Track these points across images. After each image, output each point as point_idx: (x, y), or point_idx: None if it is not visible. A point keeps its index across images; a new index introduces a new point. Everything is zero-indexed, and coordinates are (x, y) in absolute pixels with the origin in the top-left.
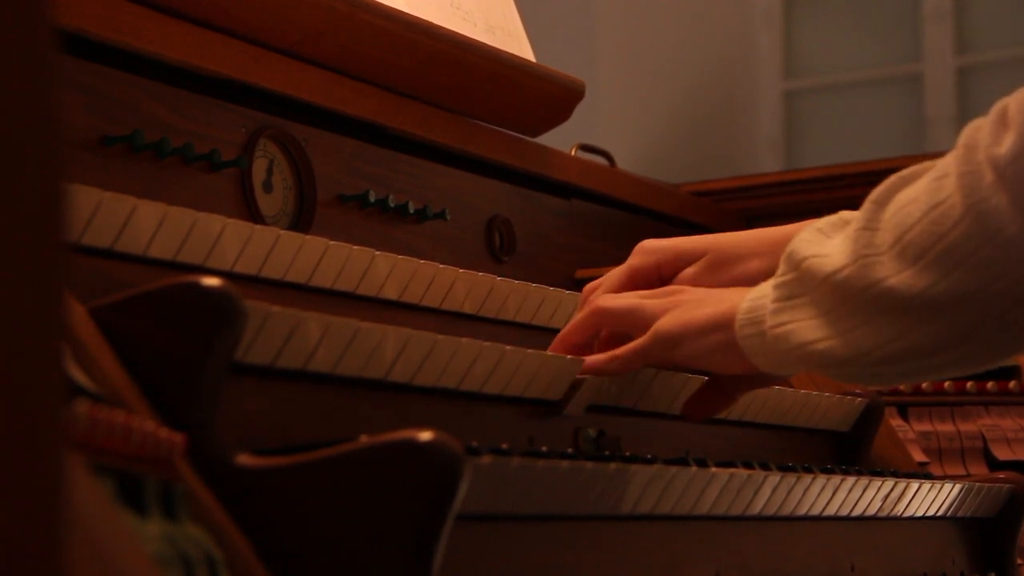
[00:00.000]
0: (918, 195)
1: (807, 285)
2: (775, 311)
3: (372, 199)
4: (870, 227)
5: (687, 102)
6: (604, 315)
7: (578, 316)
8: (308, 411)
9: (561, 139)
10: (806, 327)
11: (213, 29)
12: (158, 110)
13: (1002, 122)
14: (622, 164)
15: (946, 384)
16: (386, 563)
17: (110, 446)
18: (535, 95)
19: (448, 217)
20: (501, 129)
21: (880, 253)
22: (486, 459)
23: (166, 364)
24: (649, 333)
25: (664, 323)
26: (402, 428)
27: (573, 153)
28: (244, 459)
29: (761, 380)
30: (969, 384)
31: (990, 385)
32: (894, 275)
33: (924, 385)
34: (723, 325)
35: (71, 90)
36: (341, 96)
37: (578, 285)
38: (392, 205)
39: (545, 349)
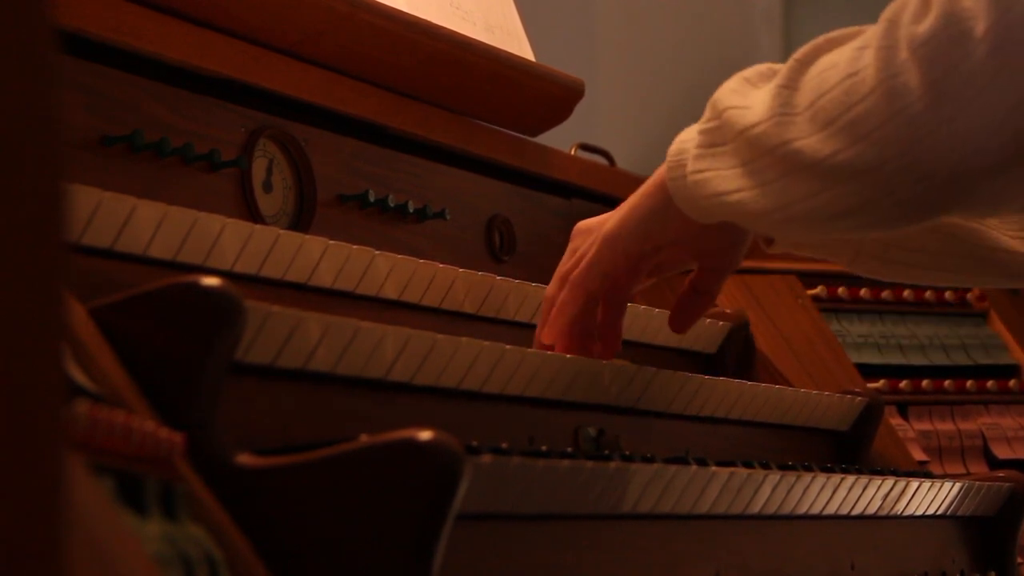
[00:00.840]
0: (839, 61)
1: (727, 135)
2: (696, 156)
3: (372, 199)
4: (790, 86)
5: (687, 102)
6: (564, 271)
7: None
8: (308, 411)
9: (561, 139)
10: (724, 176)
11: (213, 29)
12: (158, 110)
13: (925, 2)
14: (622, 164)
15: (946, 383)
16: (386, 563)
17: (110, 446)
18: (535, 95)
19: (448, 217)
20: (501, 129)
21: (795, 113)
22: (486, 458)
23: (166, 364)
24: (592, 241)
25: (605, 229)
26: (402, 428)
27: (573, 153)
28: (244, 459)
29: (722, 259)
30: (969, 383)
31: (990, 384)
32: (803, 137)
33: (924, 384)
34: (656, 188)
35: (71, 90)
36: (341, 96)
37: None
38: (392, 205)
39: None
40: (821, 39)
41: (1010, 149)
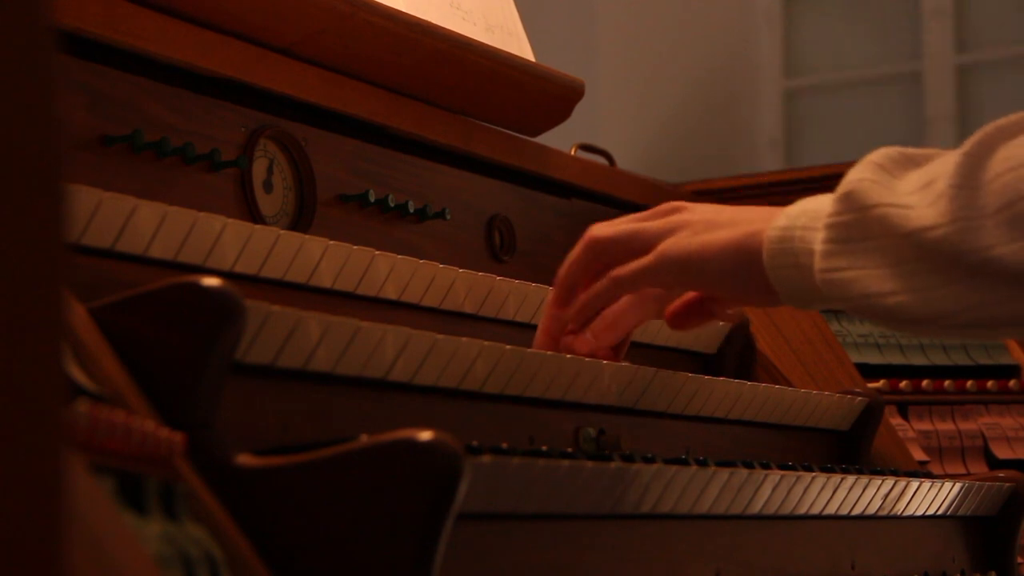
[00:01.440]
0: None
1: (872, 232)
2: (828, 253)
3: (372, 199)
4: (969, 185)
5: (687, 101)
6: (599, 245)
7: (572, 252)
8: (308, 411)
9: (561, 139)
10: (872, 276)
11: (213, 29)
12: (158, 110)
13: None
14: (622, 163)
15: (946, 383)
16: (387, 562)
17: (110, 446)
18: (535, 95)
19: (448, 217)
20: (501, 129)
21: (983, 217)
22: (486, 458)
23: (166, 364)
24: (655, 253)
25: (672, 244)
26: (402, 428)
27: (573, 153)
28: (244, 459)
29: (748, 304)
30: (969, 383)
31: (990, 384)
32: (1002, 244)
33: (924, 384)
34: (744, 250)
35: (71, 90)
36: (341, 96)
37: None
38: (392, 205)
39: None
40: (991, 128)
41: None
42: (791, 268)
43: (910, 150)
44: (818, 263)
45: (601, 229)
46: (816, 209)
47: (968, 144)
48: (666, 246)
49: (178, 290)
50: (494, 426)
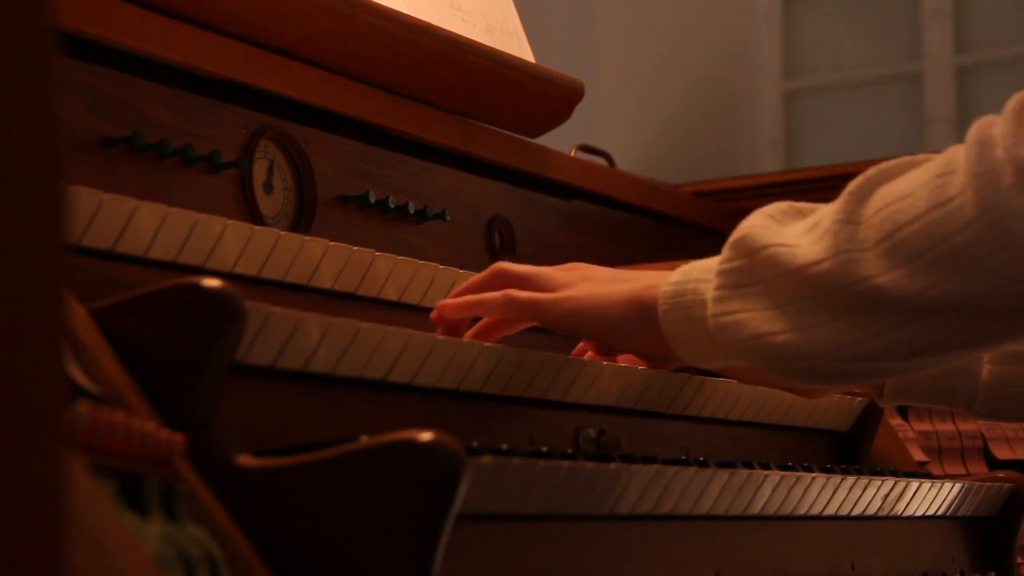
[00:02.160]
0: (913, 191)
1: (761, 275)
2: (719, 299)
3: (372, 200)
4: (851, 220)
5: (687, 102)
6: (505, 274)
7: (477, 276)
8: (309, 411)
9: (561, 139)
10: (760, 318)
11: (214, 30)
12: (159, 111)
13: (1020, 120)
14: (622, 164)
15: None
16: (387, 563)
17: (111, 446)
18: (535, 95)
19: (448, 217)
20: (501, 130)
21: (864, 249)
22: (486, 459)
23: (167, 365)
24: (556, 292)
25: (572, 291)
26: (402, 428)
27: (573, 153)
28: (245, 459)
29: (660, 359)
30: None
31: None
32: (882, 274)
33: None
34: (640, 302)
35: (72, 91)
36: (341, 97)
37: None
38: (392, 206)
39: (546, 349)
40: (873, 170)
41: None
42: (684, 322)
43: (800, 204)
44: (710, 309)
45: (510, 264)
46: (708, 264)
47: (852, 184)
48: (568, 291)
49: (179, 291)
50: (494, 427)
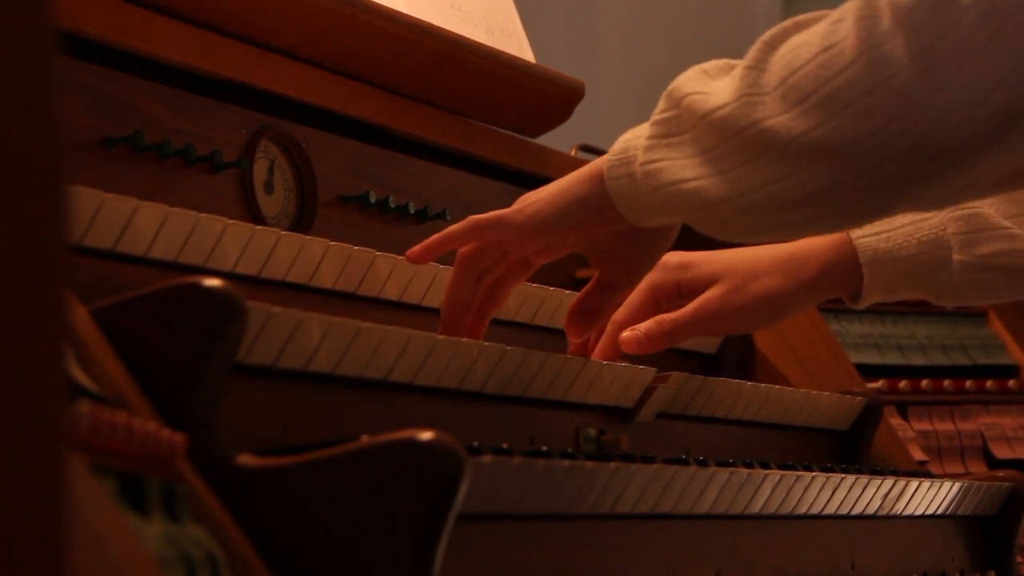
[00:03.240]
0: (811, 38)
1: (685, 123)
2: (648, 147)
3: (373, 200)
4: (758, 67)
5: None
6: (475, 221)
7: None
8: (309, 411)
9: (561, 140)
10: (680, 165)
11: (214, 30)
12: (159, 111)
13: None
14: None
15: (945, 383)
16: (387, 563)
17: (112, 447)
18: (535, 96)
19: (449, 217)
20: (501, 130)
21: (764, 93)
22: (487, 459)
23: (168, 365)
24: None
25: (529, 198)
26: (403, 428)
27: (573, 154)
28: (246, 459)
29: (626, 272)
30: (968, 383)
31: (989, 384)
32: (774, 116)
33: (923, 384)
34: (591, 177)
35: (72, 91)
36: (342, 97)
37: (578, 285)
38: (393, 206)
39: (547, 349)
40: (789, 22)
41: (997, 121)
42: (624, 177)
43: (737, 61)
44: (640, 157)
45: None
46: (645, 128)
47: (767, 34)
48: (520, 212)
49: (179, 291)
50: (495, 426)
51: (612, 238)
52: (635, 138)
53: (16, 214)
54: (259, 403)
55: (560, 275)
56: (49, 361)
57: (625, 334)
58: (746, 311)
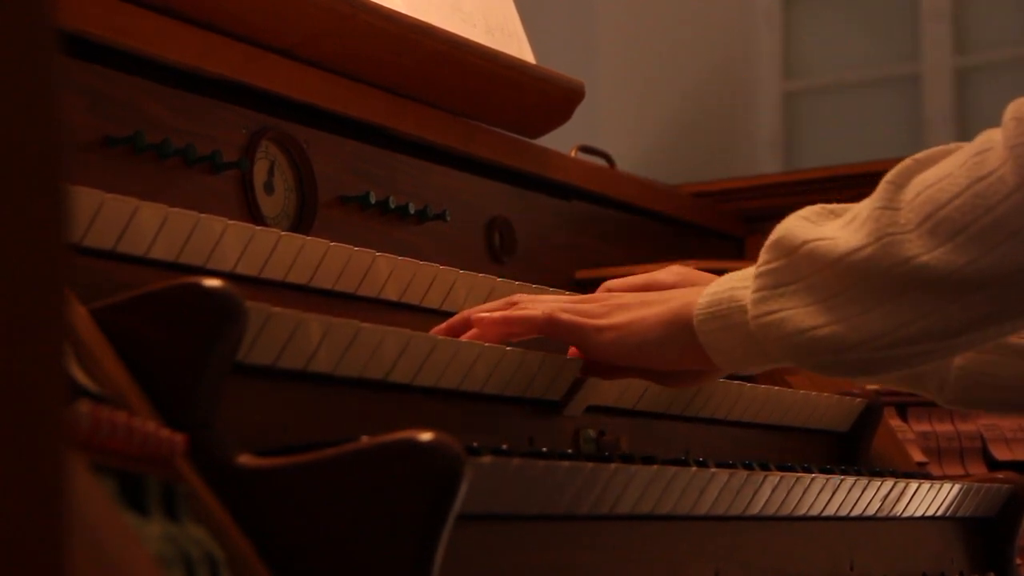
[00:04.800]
0: (951, 172)
1: (801, 272)
2: (759, 300)
3: (373, 200)
4: (891, 207)
5: (687, 103)
6: (553, 325)
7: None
8: (309, 411)
9: (561, 140)
10: (803, 314)
11: (215, 31)
12: (160, 111)
13: None
14: (622, 165)
15: None
16: (387, 563)
17: (112, 446)
18: (535, 96)
19: (448, 218)
20: (501, 130)
21: (906, 232)
22: (487, 459)
23: (168, 365)
24: (594, 320)
25: (611, 319)
26: (403, 428)
27: (573, 154)
28: (245, 459)
29: (679, 377)
30: None
31: None
32: (926, 252)
33: None
34: (677, 322)
35: (73, 91)
36: (342, 97)
37: (578, 285)
38: (393, 206)
39: (547, 350)
40: (909, 160)
41: None
42: (722, 330)
43: (832, 205)
44: (751, 311)
45: (556, 311)
46: (744, 273)
47: (889, 174)
48: (606, 319)
49: (179, 291)
50: (495, 427)
51: (683, 372)
52: (726, 291)
53: (17, 214)
54: (259, 403)
55: (560, 276)
56: (49, 361)
57: None
58: None
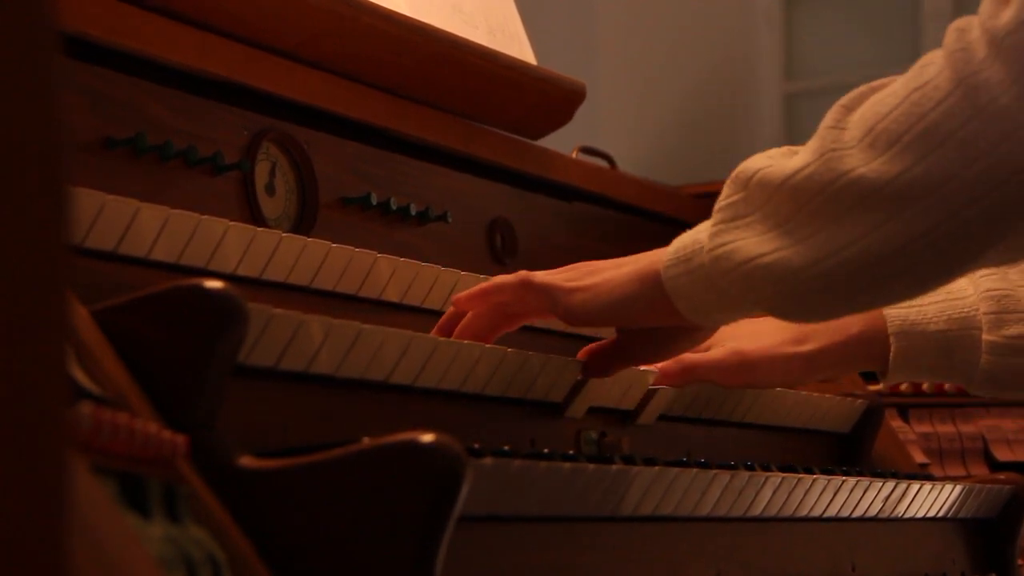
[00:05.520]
0: (895, 89)
1: (756, 201)
2: (716, 233)
3: (374, 201)
4: (837, 127)
5: (688, 104)
6: (527, 280)
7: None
8: (310, 413)
9: (562, 141)
10: (755, 242)
11: (216, 32)
12: (161, 113)
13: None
14: (623, 166)
15: (947, 385)
16: (388, 564)
17: (113, 448)
18: (536, 97)
19: (450, 219)
20: (502, 131)
21: (848, 148)
22: (488, 460)
23: (169, 366)
24: (565, 282)
25: (582, 281)
26: (404, 430)
27: (574, 155)
28: (247, 460)
29: (648, 355)
30: None
31: None
32: (863, 165)
33: (925, 386)
34: (646, 276)
35: (74, 93)
36: (343, 99)
37: None
38: (394, 207)
39: (548, 352)
40: (864, 87)
41: None
42: (685, 275)
43: (798, 147)
44: (707, 245)
45: (534, 273)
46: (707, 224)
47: (843, 98)
48: (578, 282)
49: (181, 293)
50: (496, 428)
51: (649, 329)
52: (690, 235)
53: (18, 215)
54: (260, 404)
55: None
56: (51, 362)
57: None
58: (762, 371)
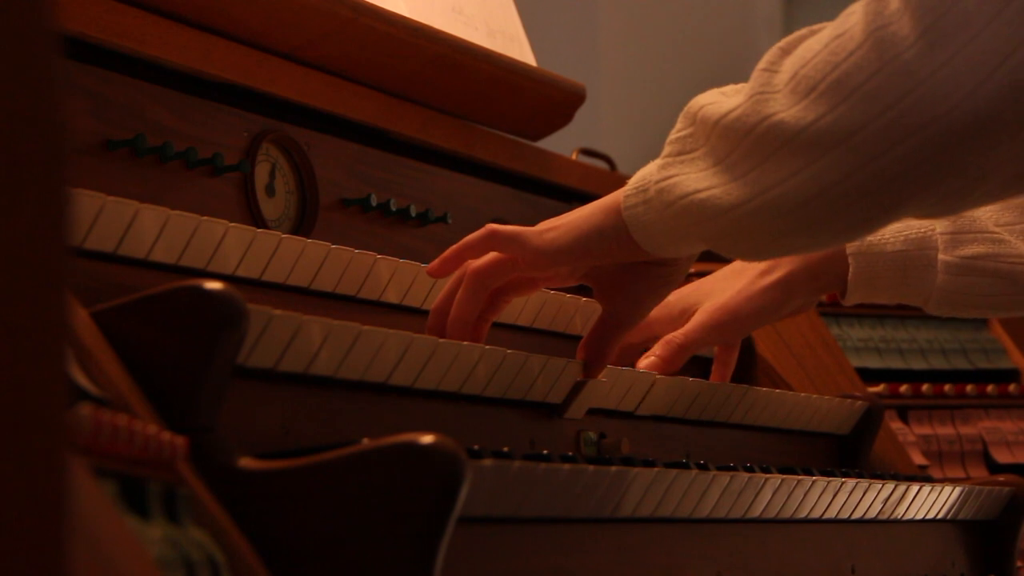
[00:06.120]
0: (821, 36)
1: (700, 137)
2: (663, 166)
3: (374, 203)
4: (770, 69)
5: None
6: (494, 232)
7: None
8: (310, 414)
9: (562, 143)
10: (694, 178)
11: (216, 33)
12: (161, 114)
13: None
14: (623, 168)
15: (946, 387)
16: (388, 565)
17: (113, 449)
18: (536, 99)
19: (450, 221)
20: (502, 133)
21: (775, 91)
22: (488, 462)
23: (169, 368)
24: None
25: (549, 224)
26: (404, 431)
27: (574, 157)
28: (246, 462)
29: (629, 310)
30: (969, 387)
31: (990, 388)
32: (784, 109)
33: (924, 388)
34: (609, 210)
35: (74, 94)
36: (343, 100)
37: (579, 288)
38: (394, 209)
39: (548, 353)
40: (804, 30)
41: (1004, 97)
42: (641, 204)
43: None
44: (655, 177)
45: (499, 225)
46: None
47: (783, 40)
48: (539, 238)
49: (180, 294)
50: (496, 430)
51: (620, 273)
52: (650, 166)
53: (18, 216)
54: (260, 406)
55: None
56: (50, 364)
57: (642, 363)
58: (745, 312)
